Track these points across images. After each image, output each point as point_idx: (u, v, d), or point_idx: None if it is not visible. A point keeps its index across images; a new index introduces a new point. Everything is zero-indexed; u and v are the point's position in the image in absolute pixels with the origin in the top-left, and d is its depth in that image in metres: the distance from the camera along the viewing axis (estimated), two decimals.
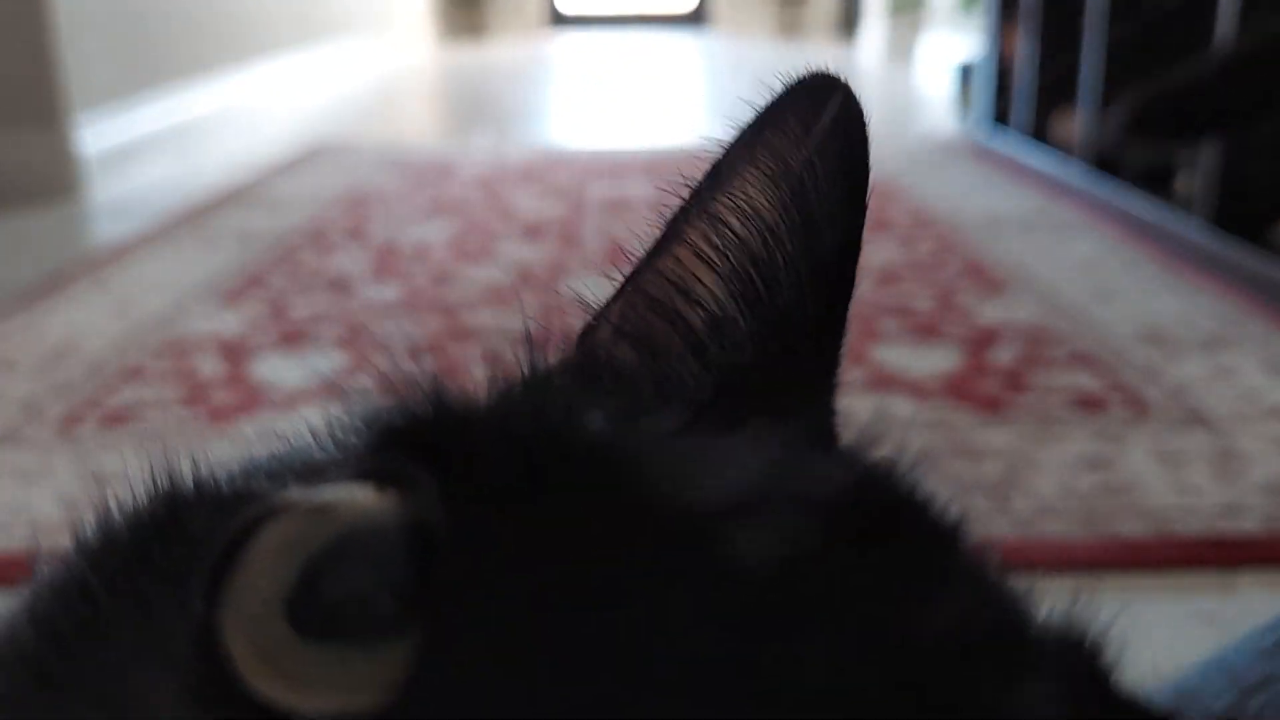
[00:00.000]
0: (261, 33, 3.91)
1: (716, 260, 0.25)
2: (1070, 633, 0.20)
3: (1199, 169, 1.98)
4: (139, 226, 2.26)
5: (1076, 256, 2.01)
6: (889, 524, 0.19)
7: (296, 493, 0.18)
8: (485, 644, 0.15)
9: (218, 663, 0.16)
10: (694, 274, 0.25)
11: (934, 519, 0.20)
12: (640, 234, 0.27)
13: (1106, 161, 2.38)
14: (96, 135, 2.64)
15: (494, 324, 1.64)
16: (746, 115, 0.26)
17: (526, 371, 0.22)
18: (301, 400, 1.36)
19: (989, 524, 1.05)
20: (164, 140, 2.98)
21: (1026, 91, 2.80)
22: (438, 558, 0.16)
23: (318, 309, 1.72)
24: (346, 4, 5.10)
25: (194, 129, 3.18)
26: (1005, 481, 1.13)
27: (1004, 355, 1.49)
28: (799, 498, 0.18)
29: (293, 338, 1.59)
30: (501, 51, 6.48)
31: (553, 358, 0.24)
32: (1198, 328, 1.60)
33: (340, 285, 1.85)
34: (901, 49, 5.19)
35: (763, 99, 0.26)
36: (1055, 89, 2.68)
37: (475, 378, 0.20)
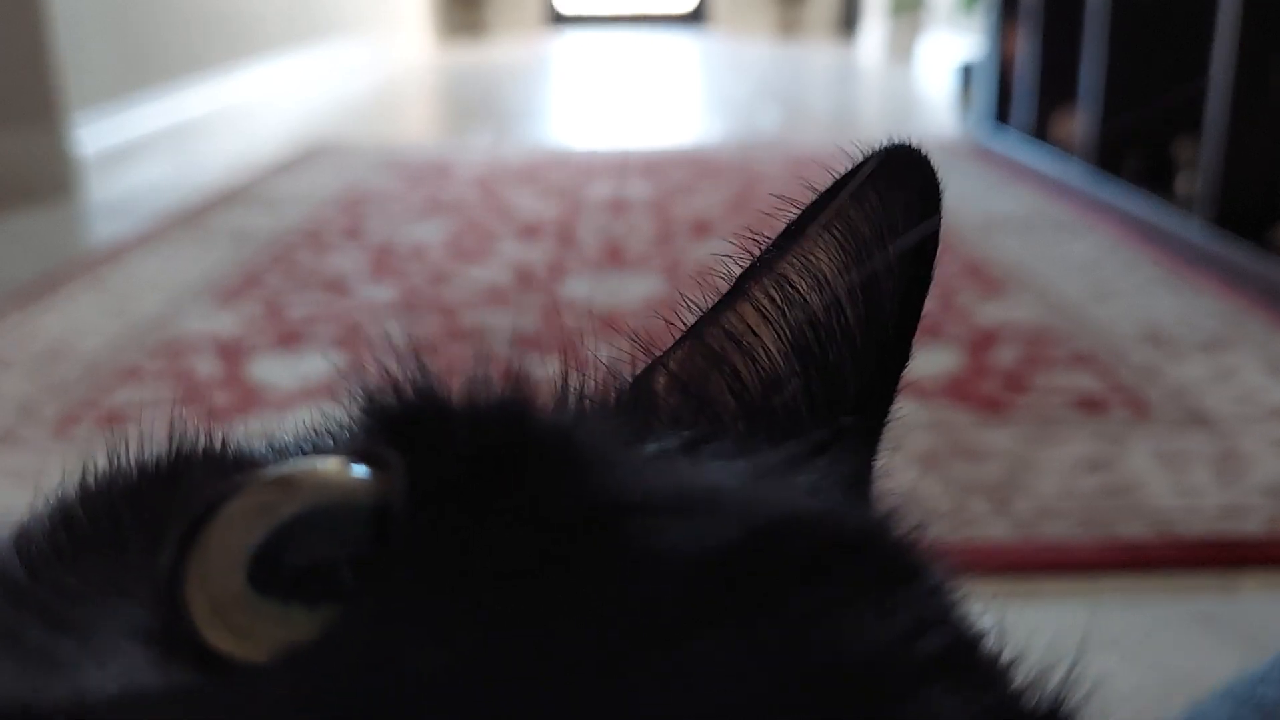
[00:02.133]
0: (259, 32, 3.90)
1: (776, 319, 0.26)
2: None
3: (1199, 169, 1.97)
4: (135, 226, 2.26)
5: (1077, 257, 2.01)
6: (831, 554, 0.19)
7: (282, 465, 0.20)
8: (404, 612, 0.17)
9: (175, 608, 0.18)
10: (753, 330, 0.26)
11: (898, 565, 0.20)
12: (696, 275, 0.28)
13: (1107, 161, 2.37)
14: (93, 134, 2.63)
15: (492, 324, 1.64)
16: (824, 180, 0.27)
17: (565, 393, 0.24)
18: (298, 401, 1.35)
19: (990, 525, 1.04)
20: (161, 140, 2.97)
21: (1027, 91, 2.80)
22: (390, 534, 0.18)
23: (315, 309, 1.72)
24: (344, 3, 5.09)
25: (191, 128, 3.17)
26: (1006, 483, 1.12)
27: (1004, 356, 1.49)
28: (732, 511, 0.18)
29: (290, 338, 1.58)
30: (500, 51, 6.48)
31: (604, 396, 0.25)
32: (1198, 328, 1.59)
33: (337, 285, 1.85)
34: (901, 49, 5.19)
35: (843, 165, 0.27)
36: (1056, 89, 2.67)
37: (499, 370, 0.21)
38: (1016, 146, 2.82)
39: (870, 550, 0.20)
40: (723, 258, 0.27)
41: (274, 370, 1.46)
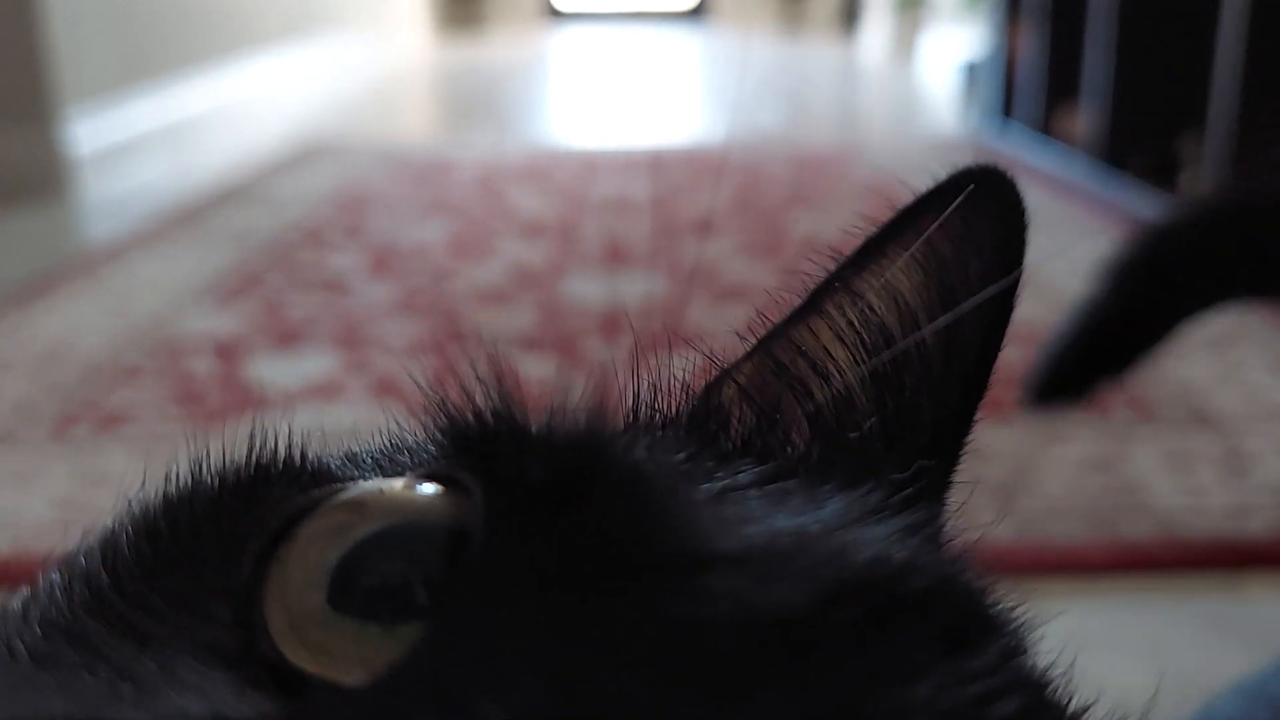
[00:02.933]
0: (256, 27, 3.90)
1: (851, 338, 0.25)
2: None
3: (1204, 166, 1.96)
4: (133, 225, 2.25)
5: (1081, 254, 2.00)
6: (904, 610, 0.18)
7: (361, 484, 0.20)
8: (473, 641, 0.17)
9: (254, 624, 0.18)
10: (826, 348, 0.25)
11: (972, 622, 0.20)
12: (766, 292, 0.27)
13: (1112, 158, 2.37)
14: (89, 132, 2.62)
15: (493, 324, 1.63)
16: (906, 198, 0.26)
17: (633, 409, 0.24)
18: (298, 401, 1.34)
19: (994, 526, 1.04)
20: (158, 137, 2.96)
21: (1031, 88, 2.79)
22: (464, 558, 0.18)
23: (314, 309, 1.71)
24: None
25: (188, 126, 3.16)
26: (1011, 483, 1.12)
27: (1008, 355, 1.47)
28: (801, 567, 0.18)
29: (289, 338, 1.58)
30: (498, 47, 6.47)
31: (673, 406, 0.25)
32: (1202, 327, 1.58)
33: (337, 285, 1.84)
34: (904, 45, 5.17)
35: (926, 185, 0.26)
36: (1060, 85, 2.66)
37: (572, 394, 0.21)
38: (1020, 144, 2.81)
39: (943, 607, 0.19)
40: (804, 275, 0.26)
41: (273, 371, 1.46)
